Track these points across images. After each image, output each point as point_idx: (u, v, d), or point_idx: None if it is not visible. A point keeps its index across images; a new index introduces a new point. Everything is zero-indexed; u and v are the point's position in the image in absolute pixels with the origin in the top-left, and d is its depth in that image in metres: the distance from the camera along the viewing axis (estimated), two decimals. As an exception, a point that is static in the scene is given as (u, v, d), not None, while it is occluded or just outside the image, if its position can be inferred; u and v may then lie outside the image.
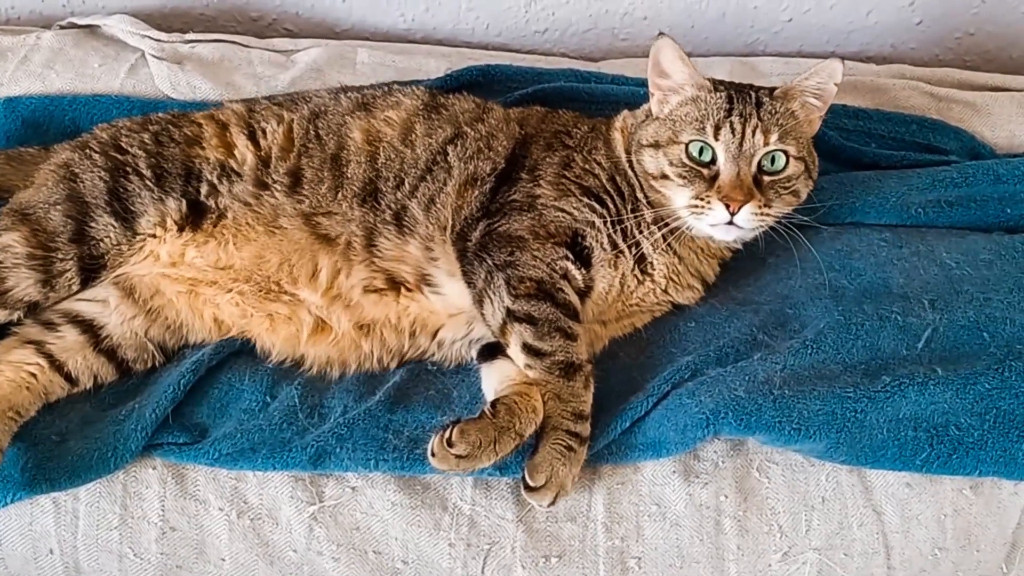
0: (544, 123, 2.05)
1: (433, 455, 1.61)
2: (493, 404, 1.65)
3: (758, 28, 2.77)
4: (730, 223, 1.80)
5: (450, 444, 1.59)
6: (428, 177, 1.92)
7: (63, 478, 1.68)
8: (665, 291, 1.93)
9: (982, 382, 1.72)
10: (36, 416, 1.77)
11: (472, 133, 1.98)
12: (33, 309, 1.85)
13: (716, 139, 1.83)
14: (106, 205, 1.87)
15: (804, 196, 1.93)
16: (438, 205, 1.90)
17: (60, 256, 1.83)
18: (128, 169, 1.91)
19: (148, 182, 1.90)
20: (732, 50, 2.79)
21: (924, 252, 2.01)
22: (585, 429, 1.69)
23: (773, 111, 1.87)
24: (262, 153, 1.95)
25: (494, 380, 1.77)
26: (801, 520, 1.70)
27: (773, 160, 1.85)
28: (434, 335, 1.90)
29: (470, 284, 1.84)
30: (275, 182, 1.92)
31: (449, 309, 1.88)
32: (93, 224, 1.86)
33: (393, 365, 1.90)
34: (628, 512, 1.71)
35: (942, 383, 1.71)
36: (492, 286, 1.80)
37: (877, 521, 1.71)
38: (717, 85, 1.92)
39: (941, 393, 1.70)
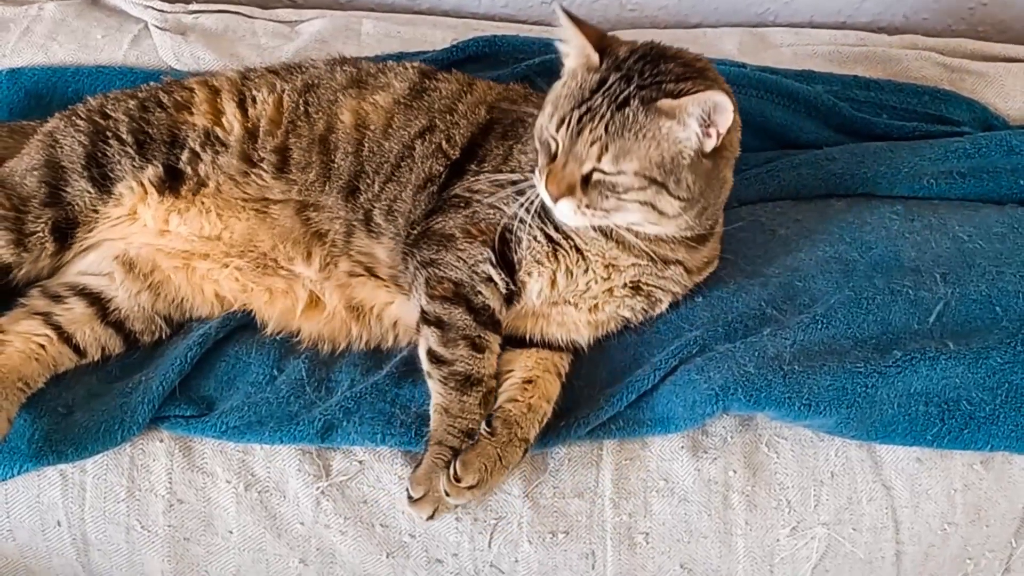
0: (515, 106, 1.90)
1: (447, 495, 1.62)
2: (489, 422, 1.66)
3: (769, -3, 2.73)
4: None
5: (457, 479, 1.60)
6: (393, 180, 1.84)
7: (70, 450, 1.68)
8: (608, 278, 1.77)
9: (994, 356, 1.70)
10: (43, 388, 1.76)
11: (440, 125, 1.88)
12: (7, 272, 1.84)
13: (556, 131, 1.61)
14: (83, 170, 1.85)
15: (672, 215, 1.64)
16: (396, 211, 1.83)
17: (31, 218, 1.82)
18: (108, 134, 1.89)
19: (128, 148, 1.87)
20: (742, 20, 2.74)
21: (936, 225, 1.98)
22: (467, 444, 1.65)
23: (629, 121, 1.57)
24: (249, 124, 1.90)
25: None
26: (810, 495, 1.70)
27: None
28: (418, 329, 1.80)
29: (403, 282, 1.80)
30: (261, 159, 1.87)
31: None
32: (68, 189, 1.85)
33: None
34: (636, 487, 1.71)
35: (954, 358, 1.70)
36: (415, 284, 1.75)
37: (886, 496, 1.70)
38: (602, 64, 1.63)
39: (953, 368, 1.69)
